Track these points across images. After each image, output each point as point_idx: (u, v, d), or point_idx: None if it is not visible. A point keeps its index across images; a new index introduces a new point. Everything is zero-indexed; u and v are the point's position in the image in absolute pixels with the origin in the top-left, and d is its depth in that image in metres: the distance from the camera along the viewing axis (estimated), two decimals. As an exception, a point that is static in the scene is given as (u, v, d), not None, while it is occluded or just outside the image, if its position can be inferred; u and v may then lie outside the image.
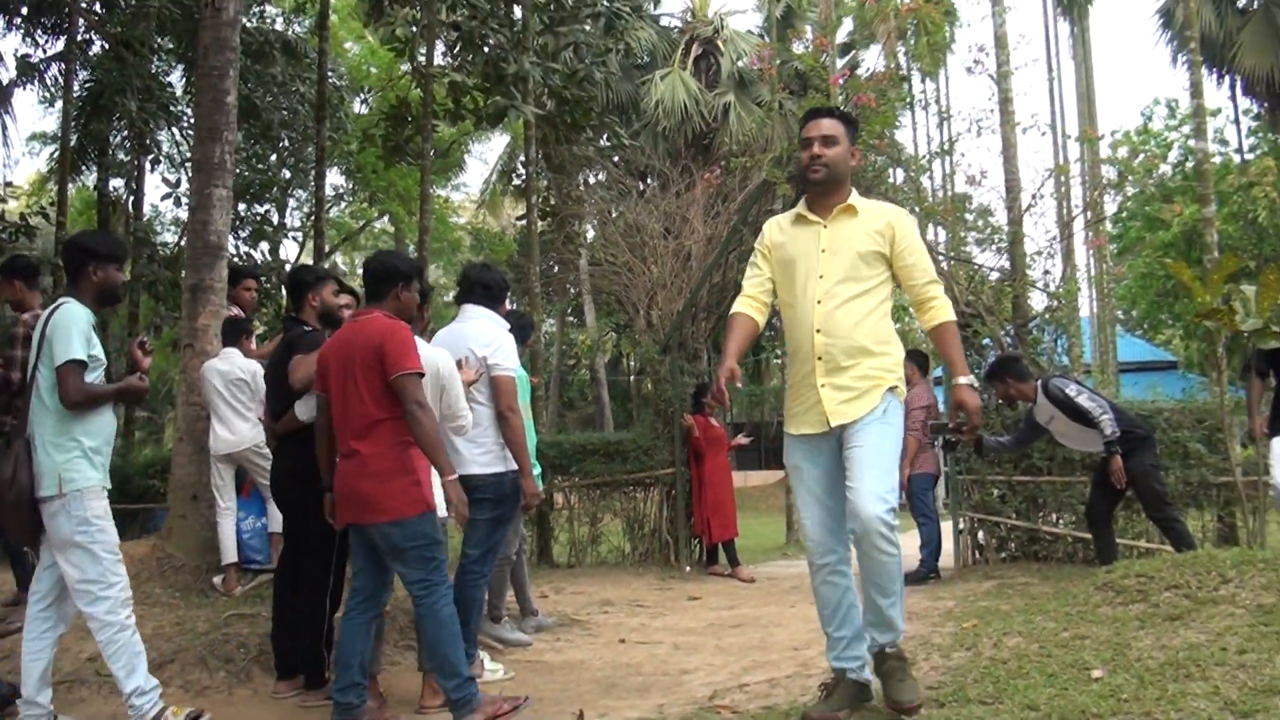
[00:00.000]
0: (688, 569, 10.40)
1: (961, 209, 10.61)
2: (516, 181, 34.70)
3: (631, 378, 32.89)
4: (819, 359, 3.95)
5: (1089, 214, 14.39)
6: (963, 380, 3.96)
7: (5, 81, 17.10)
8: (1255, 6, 24.64)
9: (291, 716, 5.04)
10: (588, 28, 11.63)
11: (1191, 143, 26.34)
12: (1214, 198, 12.04)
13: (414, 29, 10.72)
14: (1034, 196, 10.33)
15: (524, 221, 26.88)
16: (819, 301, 4.00)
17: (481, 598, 5.55)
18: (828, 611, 4.15)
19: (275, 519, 6.93)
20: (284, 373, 5.31)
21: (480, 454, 5.25)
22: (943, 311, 4.02)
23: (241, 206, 15.09)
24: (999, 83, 10.61)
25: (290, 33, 18.71)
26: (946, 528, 9.73)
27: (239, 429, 6.79)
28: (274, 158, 16.69)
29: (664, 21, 31.60)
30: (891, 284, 4.09)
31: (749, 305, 4.22)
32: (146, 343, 4.83)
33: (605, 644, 6.67)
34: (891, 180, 11.11)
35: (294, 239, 20.16)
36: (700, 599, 8.84)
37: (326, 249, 16.94)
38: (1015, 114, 10.79)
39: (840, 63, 26.84)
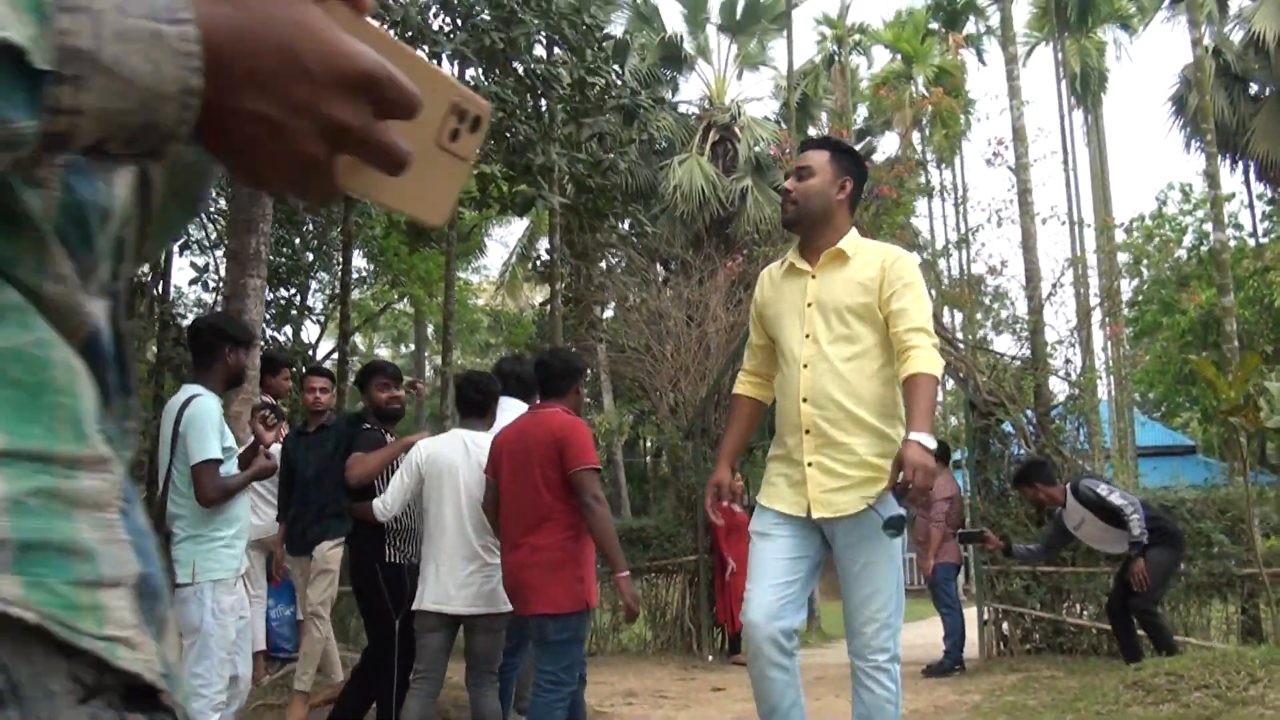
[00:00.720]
0: (710, 658, 10.36)
1: (978, 292, 10.75)
2: (535, 265, 35.29)
3: (648, 459, 32.89)
4: (806, 433, 3.42)
5: (1106, 300, 14.46)
6: (914, 436, 3.20)
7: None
8: (1267, 94, 25.08)
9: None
10: (611, 119, 11.88)
11: (1207, 227, 26.67)
12: (1231, 286, 12.16)
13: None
14: (1054, 285, 10.46)
15: (544, 304, 27.24)
16: (805, 366, 3.48)
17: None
18: (764, 710, 3.47)
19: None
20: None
21: None
22: (920, 362, 3.32)
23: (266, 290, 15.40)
24: (1018, 174, 10.80)
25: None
26: (970, 616, 9.71)
27: (269, 515, 6.86)
28: (298, 241, 16.99)
29: (682, 109, 32.20)
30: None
31: (748, 385, 3.83)
32: (269, 415, 4.80)
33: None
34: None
35: (316, 321, 20.38)
36: (724, 689, 8.79)
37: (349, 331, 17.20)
38: (1034, 204, 10.98)
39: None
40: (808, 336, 3.48)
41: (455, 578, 4.73)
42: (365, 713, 5.33)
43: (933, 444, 3.19)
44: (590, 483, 4.40)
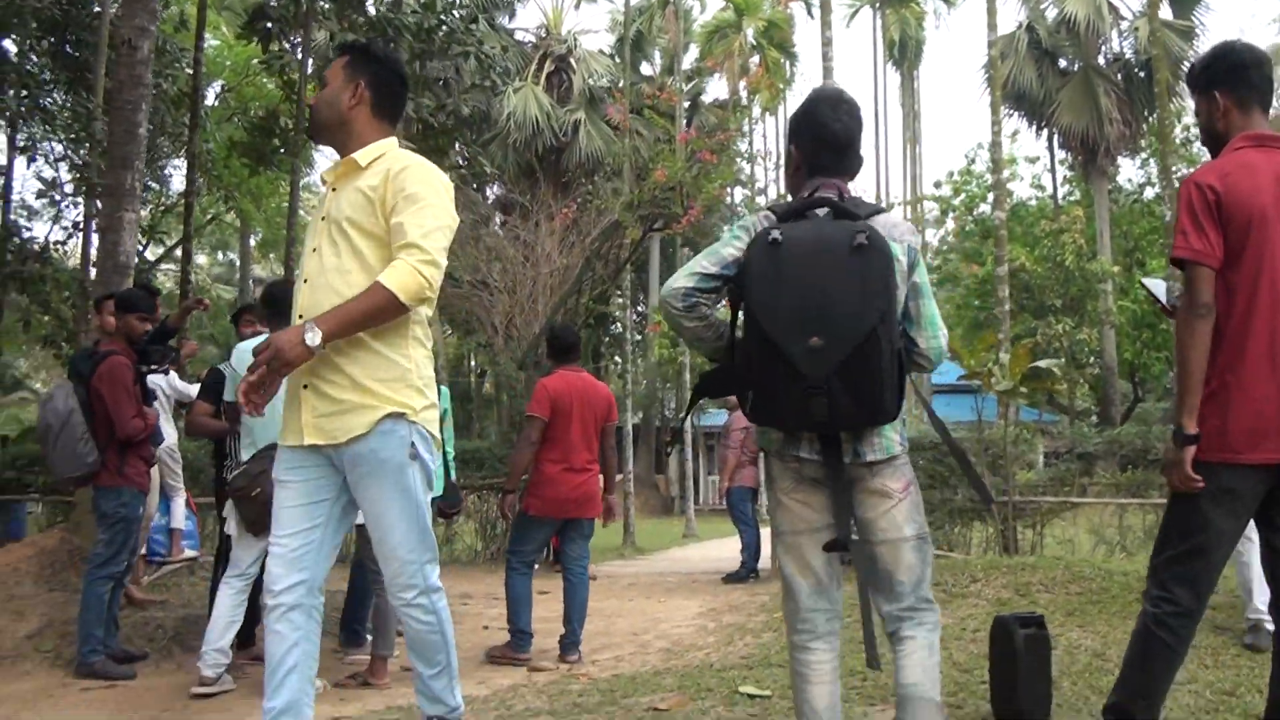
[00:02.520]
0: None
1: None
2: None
3: (472, 379, 33.66)
4: None
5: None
6: (307, 333, 2.94)
7: None
8: (1075, 69, 27.24)
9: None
10: (455, 64, 12.57)
11: (1012, 186, 28.96)
12: (1006, 259, 13.73)
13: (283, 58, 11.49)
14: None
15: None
16: (305, 281, 3.24)
17: None
18: (270, 667, 3.16)
19: (177, 516, 7.75)
20: None
21: None
22: (388, 274, 3.01)
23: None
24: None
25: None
26: (765, 533, 11.11)
27: (165, 432, 7.49)
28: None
29: (519, 35, 32.54)
30: None
31: None
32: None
33: (470, 630, 7.71)
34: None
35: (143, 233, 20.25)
36: (549, 593, 9.91)
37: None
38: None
39: (686, 87, 28.34)
40: (314, 251, 3.22)
41: None
42: None
43: (315, 340, 2.93)
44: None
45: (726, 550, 15.78)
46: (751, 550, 10.74)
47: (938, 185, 32.01)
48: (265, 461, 5.43)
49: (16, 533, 12.44)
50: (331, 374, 3.11)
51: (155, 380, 7.39)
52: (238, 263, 37.33)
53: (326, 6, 10.94)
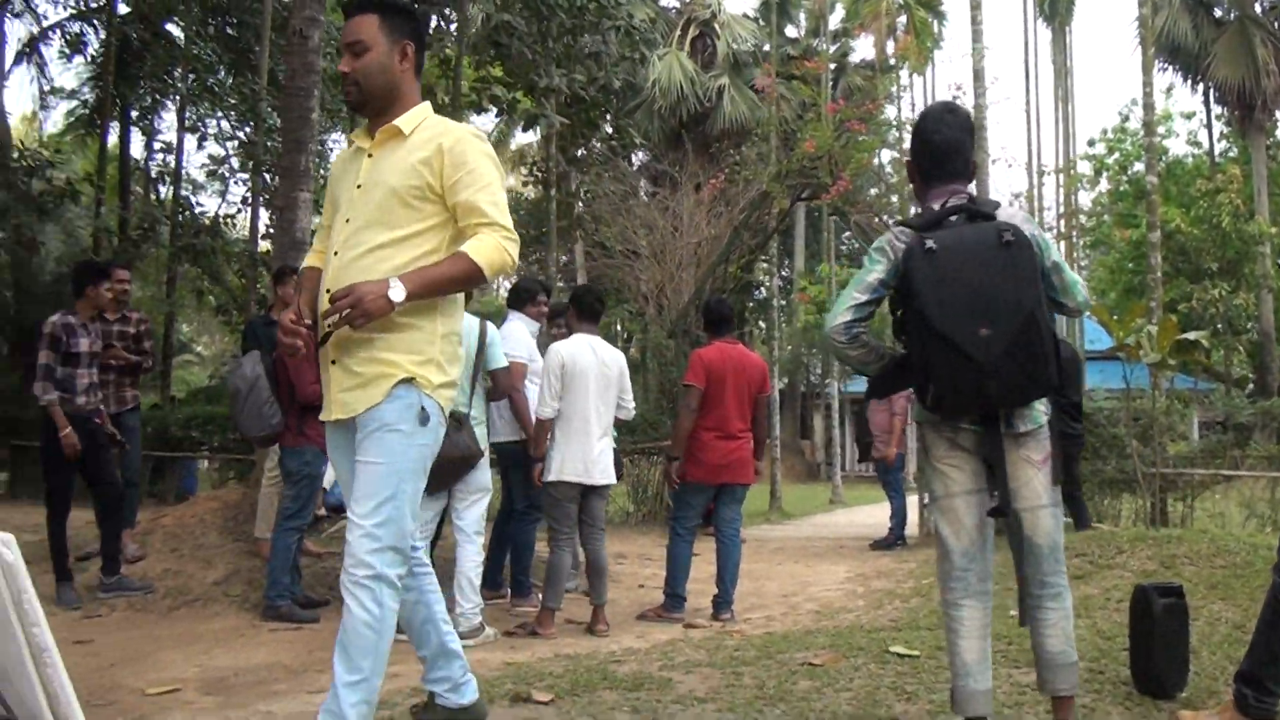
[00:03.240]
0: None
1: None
2: (512, 151, 36.00)
3: (619, 345, 34.10)
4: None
5: (1063, 218, 15.73)
6: (391, 280, 2.92)
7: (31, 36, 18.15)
8: (1231, 18, 26.04)
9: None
10: (606, 38, 12.82)
11: (1168, 144, 27.90)
12: (1159, 225, 13.32)
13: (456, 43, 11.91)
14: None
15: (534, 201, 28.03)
16: (335, 253, 3.11)
17: None
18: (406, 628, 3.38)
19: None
20: None
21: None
22: (471, 245, 3.00)
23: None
24: (976, 114, 11.90)
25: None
26: (913, 501, 11.17)
27: None
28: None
29: (663, 2, 32.63)
30: (450, 234, 3.13)
31: (312, 256, 3.40)
32: None
33: (627, 588, 8.04)
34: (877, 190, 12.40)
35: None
36: (699, 555, 10.20)
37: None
38: (988, 142, 12.11)
39: (832, 49, 28.04)
40: (348, 221, 3.10)
41: (590, 455, 6.18)
42: None
43: (400, 295, 2.89)
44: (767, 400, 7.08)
45: (873, 517, 15.83)
46: (900, 519, 10.81)
47: (1091, 144, 31.02)
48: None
49: (190, 487, 13.35)
50: (357, 348, 3.02)
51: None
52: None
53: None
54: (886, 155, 30.13)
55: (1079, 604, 5.32)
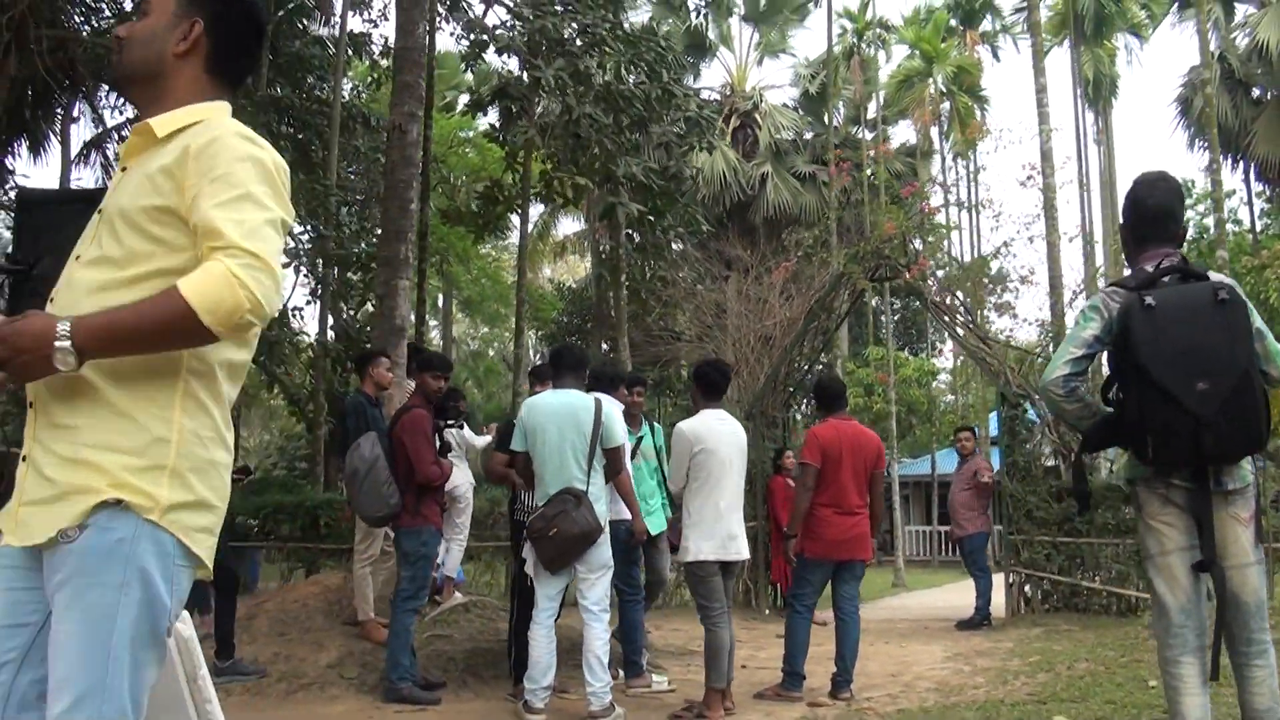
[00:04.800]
0: (766, 611, 11.81)
1: (982, 271, 12.04)
2: (554, 240, 36.58)
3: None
4: (30, 404, 2.11)
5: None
6: (58, 330, 1.89)
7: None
8: (1269, 98, 26.33)
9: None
10: (676, 129, 13.12)
11: (1207, 221, 28.03)
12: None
13: (528, 133, 12.26)
14: (1074, 291, 11.78)
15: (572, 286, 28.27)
16: (51, 299, 2.15)
17: None
18: None
19: (451, 564, 8.32)
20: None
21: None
22: (191, 281, 1.93)
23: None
24: (1045, 194, 12.14)
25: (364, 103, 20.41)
26: (997, 580, 11.10)
27: (459, 479, 8.11)
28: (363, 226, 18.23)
29: (704, 94, 33.23)
30: None
31: None
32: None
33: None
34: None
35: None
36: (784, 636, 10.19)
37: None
38: (1059, 220, 12.31)
39: (869, 136, 28.47)
40: (77, 258, 2.16)
41: (734, 531, 6.26)
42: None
43: (66, 343, 1.90)
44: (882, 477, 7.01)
45: (941, 600, 15.71)
46: (986, 597, 10.74)
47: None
48: (560, 504, 5.94)
49: (254, 576, 13.40)
50: (54, 439, 2.03)
51: (451, 433, 8.00)
52: (436, 322, 38.97)
53: (556, 79, 11.60)
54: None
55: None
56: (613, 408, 6.45)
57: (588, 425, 6.06)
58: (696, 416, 6.46)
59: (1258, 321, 3.31)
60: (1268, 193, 28.34)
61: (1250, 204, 29.17)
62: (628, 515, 6.71)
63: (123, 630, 1.95)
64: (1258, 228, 29.66)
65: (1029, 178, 12.88)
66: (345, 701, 6.52)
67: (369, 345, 16.75)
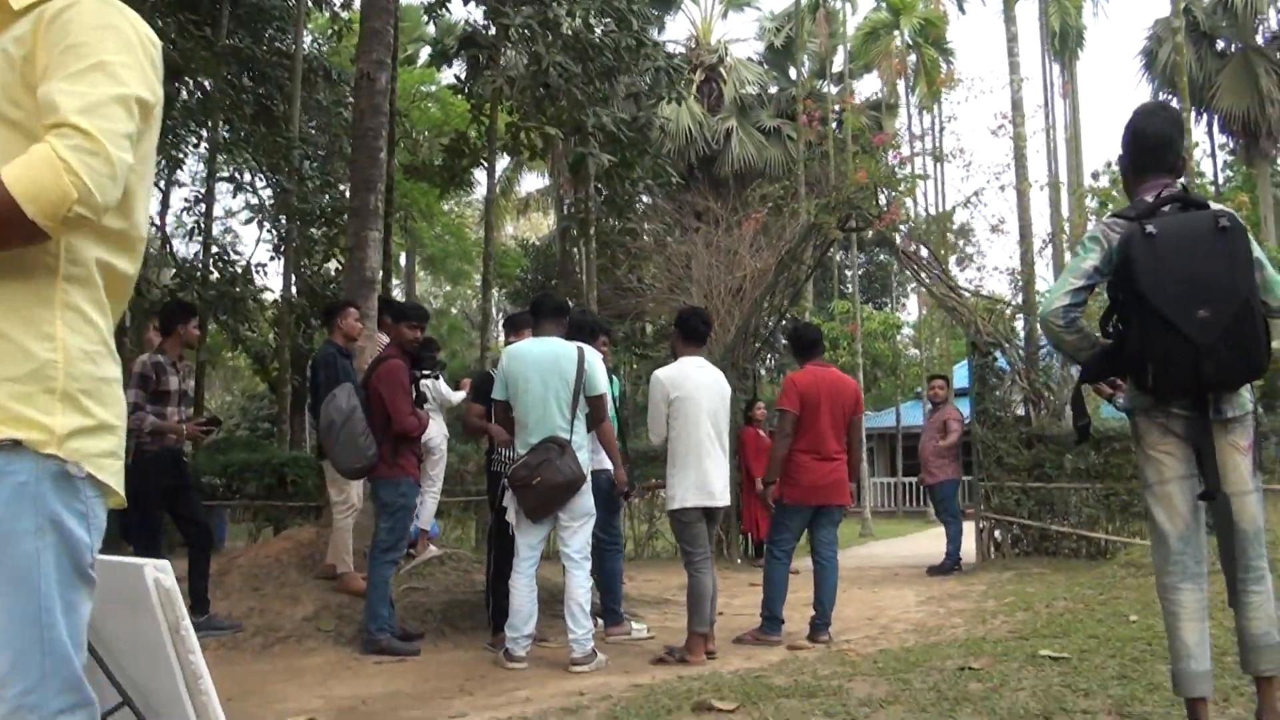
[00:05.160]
0: (738, 560, 11.86)
1: (947, 224, 12.08)
2: (517, 197, 36.32)
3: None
4: None
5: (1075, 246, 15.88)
6: None
7: None
8: (1234, 50, 26.47)
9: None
10: (645, 79, 13.00)
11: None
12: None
13: (496, 83, 12.09)
14: (1044, 241, 11.79)
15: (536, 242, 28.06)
16: None
17: None
18: None
19: (425, 516, 8.26)
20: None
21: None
22: (12, 167, 1.66)
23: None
24: (1016, 143, 12.13)
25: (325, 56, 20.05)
26: (968, 527, 11.20)
27: (434, 432, 8.02)
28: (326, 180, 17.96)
29: (669, 48, 32.97)
30: None
31: None
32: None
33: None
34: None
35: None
36: (758, 585, 10.21)
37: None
38: (1029, 169, 12.32)
39: (834, 90, 28.36)
40: None
41: (715, 478, 6.30)
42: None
43: None
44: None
45: (909, 548, 15.85)
46: (956, 543, 10.84)
47: (1095, 176, 31.25)
48: (544, 453, 5.90)
49: (222, 535, 13.32)
50: None
51: (426, 385, 7.90)
52: (399, 280, 38.64)
53: (523, 29, 11.42)
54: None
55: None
56: (595, 356, 6.40)
57: (571, 373, 6.01)
58: (674, 364, 6.43)
59: (1257, 251, 3.30)
60: (1231, 145, 28.52)
61: (1213, 156, 29.41)
62: (609, 465, 6.70)
63: (48, 578, 1.78)
64: (1220, 180, 29.91)
65: (1000, 127, 12.92)
66: (323, 654, 6.47)
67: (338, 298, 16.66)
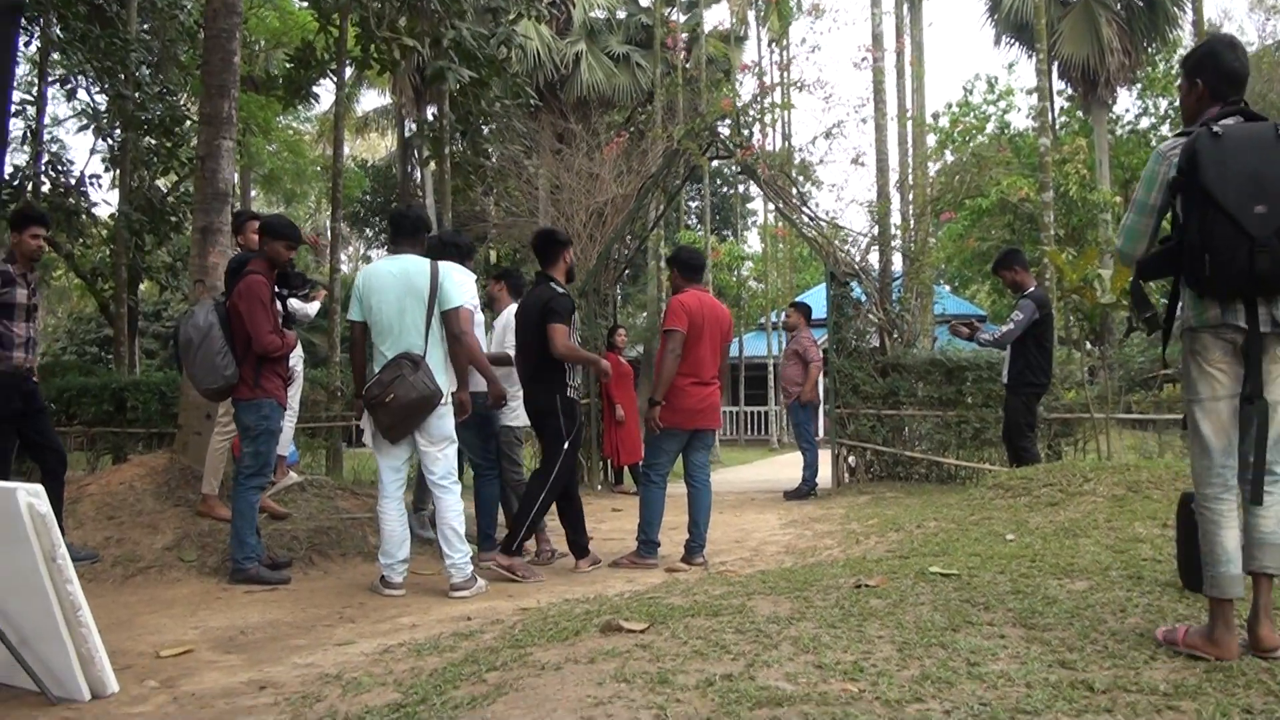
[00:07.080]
0: (599, 487, 11.88)
1: (787, 161, 12.23)
2: (355, 116, 35.12)
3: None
4: None
5: (911, 183, 16.29)
6: None
7: None
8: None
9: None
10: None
11: (1009, 117, 29.19)
12: (1051, 183, 13.98)
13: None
14: (900, 179, 12.01)
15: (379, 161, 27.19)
16: None
17: None
18: None
19: (284, 442, 7.94)
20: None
21: None
22: None
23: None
24: (874, 76, 12.29)
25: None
26: (824, 454, 11.46)
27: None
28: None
29: (517, -33, 32.16)
30: None
31: None
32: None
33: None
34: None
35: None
36: (621, 510, 10.29)
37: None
38: (887, 103, 12.50)
39: (683, 19, 28.25)
40: None
41: None
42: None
43: None
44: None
45: (757, 474, 16.23)
46: (814, 469, 11.09)
47: (935, 117, 32.12)
48: (396, 369, 5.72)
49: (61, 462, 12.60)
50: None
51: (293, 303, 7.54)
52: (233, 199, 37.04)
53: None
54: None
55: (1061, 527, 5.60)
56: (453, 270, 6.19)
57: (424, 289, 5.82)
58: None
59: None
60: (1069, 91, 29.56)
61: (1051, 101, 30.39)
62: (484, 386, 6.54)
63: None
64: (1057, 125, 31.01)
65: (864, 59, 13.03)
66: (188, 584, 6.20)
67: (177, 216, 15.75)
